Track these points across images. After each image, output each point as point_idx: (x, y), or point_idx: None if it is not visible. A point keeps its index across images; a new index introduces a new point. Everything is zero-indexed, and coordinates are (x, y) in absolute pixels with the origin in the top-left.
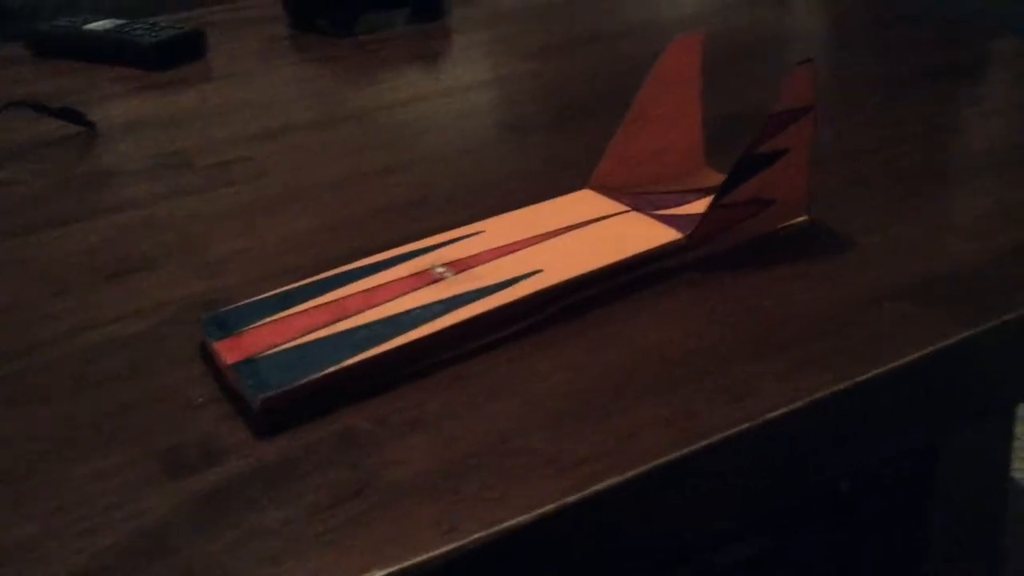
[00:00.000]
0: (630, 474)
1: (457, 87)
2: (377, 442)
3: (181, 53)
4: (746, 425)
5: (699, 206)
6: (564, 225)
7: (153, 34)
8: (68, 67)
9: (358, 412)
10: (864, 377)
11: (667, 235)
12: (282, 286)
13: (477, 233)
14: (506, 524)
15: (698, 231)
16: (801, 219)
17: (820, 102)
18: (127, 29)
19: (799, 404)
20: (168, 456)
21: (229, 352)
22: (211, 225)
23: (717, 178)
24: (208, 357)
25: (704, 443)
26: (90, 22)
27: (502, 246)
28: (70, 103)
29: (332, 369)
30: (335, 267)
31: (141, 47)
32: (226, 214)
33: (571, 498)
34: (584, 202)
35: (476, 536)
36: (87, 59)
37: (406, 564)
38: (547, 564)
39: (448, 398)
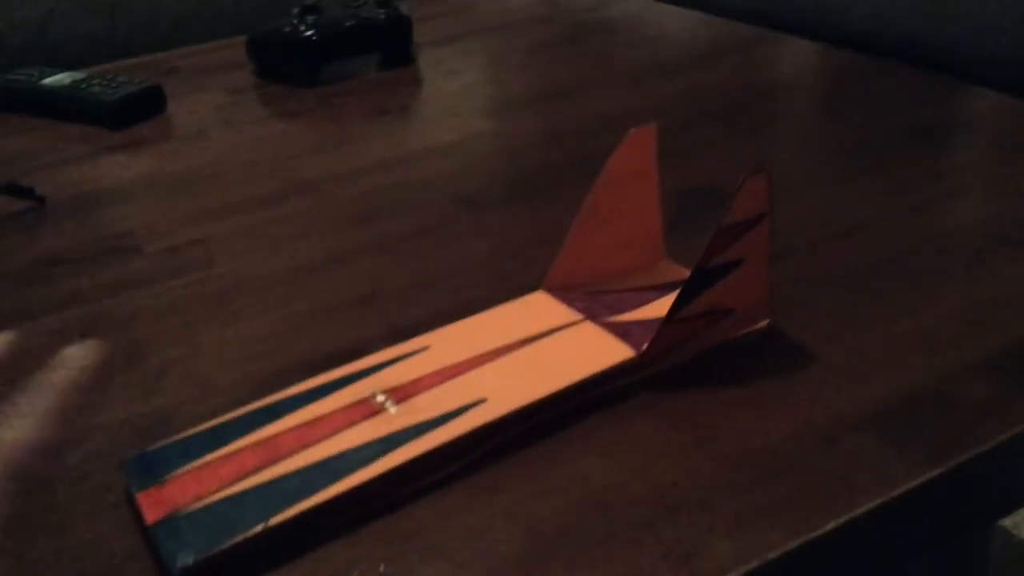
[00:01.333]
0: None
1: (416, 152)
2: None
3: (140, 110)
4: None
5: (658, 307)
6: (513, 340)
7: (111, 91)
8: (24, 124)
9: (287, 573)
10: (817, 533)
11: (620, 353)
12: (220, 405)
13: (422, 349)
14: None
15: (652, 348)
16: (762, 324)
17: (781, 179)
18: (84, 85)
19: (747, 568)
20: None
21: (150, 508)
22: (154, 327)
23: (677, 272)
24: (132, 503)
25: None
26: (47, 75)
27: (446, 367)
28: (22, 169)
29: (259, 528)
30: (275, 381)
31: (99, 105)
32: (170, 312)
33: None
34: (536, 308)
35: None
36: (44, 115)
37: None
38: None
39: (381, 558)
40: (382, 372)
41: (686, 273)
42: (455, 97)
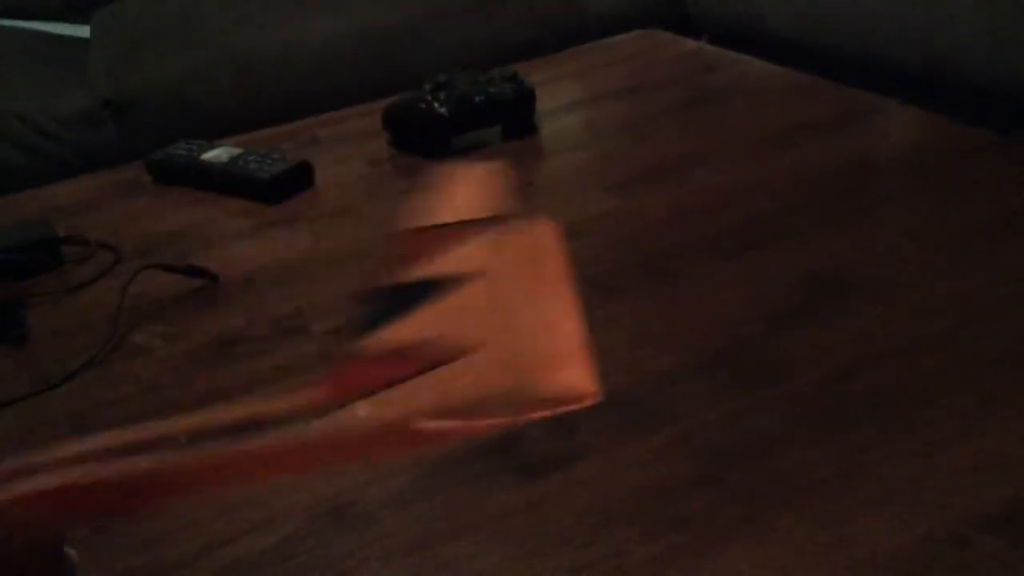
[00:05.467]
0: None
1: None
2: None
3: (293, 185)
4: None
5: None
6: None
7: (266, 168)
8: (185, 197)
9: None
10: None
11: None
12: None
13: None
14: None
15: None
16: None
17: (899, 267)
18: (241, 162)
19: None
20: None
21: None
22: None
23: None
24: None
25: None
26: (207, 149)
27: None
28: (193, 244)
29: None
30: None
31: (256, 182)
32: None
33: None
34: None
35: None
36: (203, 188)
37: None
38: None
39: None
40: None
41: None
42: (579, 171)
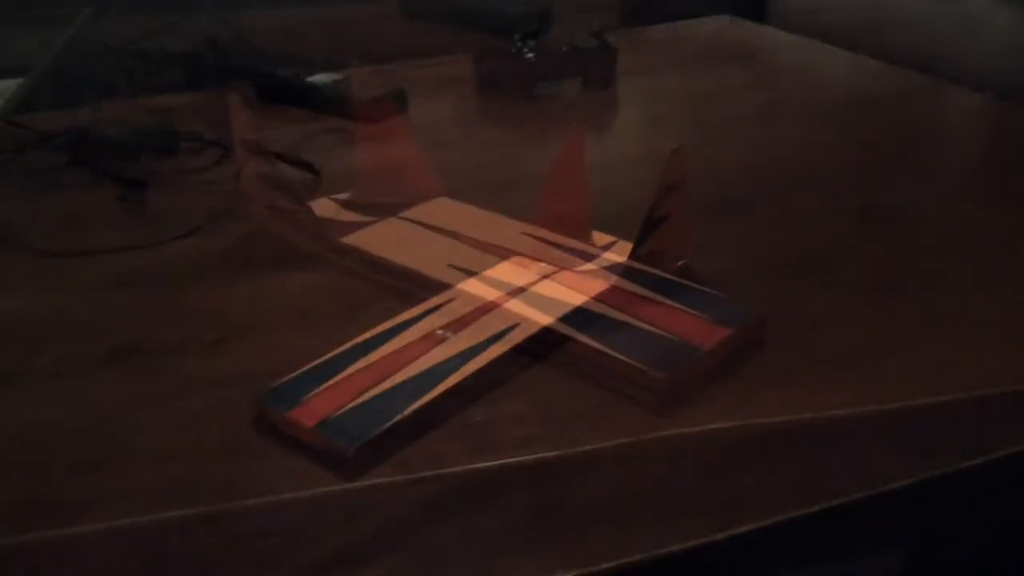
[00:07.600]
0: None
1: (615, 161)
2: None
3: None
4: None
5: (609, 259)
6: (520, 285)
7: (364, 91)
8: (290, 115)
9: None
10: None
11: (601, 284)
12: None
13: (452, 299)
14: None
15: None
16: (684, 262)
17: None
18: (343, 86)
19: None
20: None
21: (307, 417)
22: None
23: (606, 239)
24: (269, 426)
25: None
26: (310, 74)
27: (478, 308)
28: (299, 151)
29: (398, 418)
30: None
31: (355, 102)
32: None
33: None
34: (524, 266)
35: None
36: (305, 107)
37: None
38: None
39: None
40: (431, 316)
41: (609, 239)
42: (648, 119)
